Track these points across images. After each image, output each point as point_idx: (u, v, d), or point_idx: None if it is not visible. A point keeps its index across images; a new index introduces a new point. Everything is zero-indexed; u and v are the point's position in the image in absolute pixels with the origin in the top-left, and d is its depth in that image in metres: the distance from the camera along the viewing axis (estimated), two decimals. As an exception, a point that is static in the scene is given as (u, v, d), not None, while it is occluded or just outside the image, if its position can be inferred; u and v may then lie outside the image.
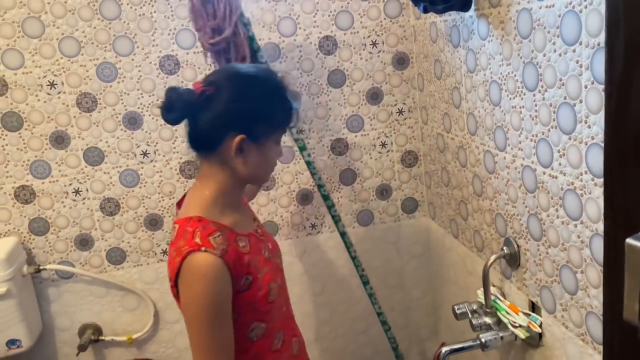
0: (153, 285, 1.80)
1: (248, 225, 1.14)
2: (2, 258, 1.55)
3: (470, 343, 1.33)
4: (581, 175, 0.98)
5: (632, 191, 0.65)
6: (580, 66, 0.93)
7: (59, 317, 1.77)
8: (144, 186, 1.73)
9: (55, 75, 1.61)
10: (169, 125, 1.67)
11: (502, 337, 1.28)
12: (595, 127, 0.92)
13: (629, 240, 0.62)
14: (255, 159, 1.05)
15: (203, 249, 0.96)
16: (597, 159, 0.93)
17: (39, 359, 1.77)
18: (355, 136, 1.82)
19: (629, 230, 0.64)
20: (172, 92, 1.00)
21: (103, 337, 1.79)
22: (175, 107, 1.00)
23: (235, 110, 1.02)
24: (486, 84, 1.30)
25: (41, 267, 1.68)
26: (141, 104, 1.67)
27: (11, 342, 1.61)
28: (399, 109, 1.83)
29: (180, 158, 1.72)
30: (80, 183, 1.69)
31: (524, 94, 1.14)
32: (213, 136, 1.03)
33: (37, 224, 1.70)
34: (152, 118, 1.68)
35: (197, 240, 0.97)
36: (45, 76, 1.61)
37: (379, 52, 1.77)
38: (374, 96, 1.80)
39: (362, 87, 1.79)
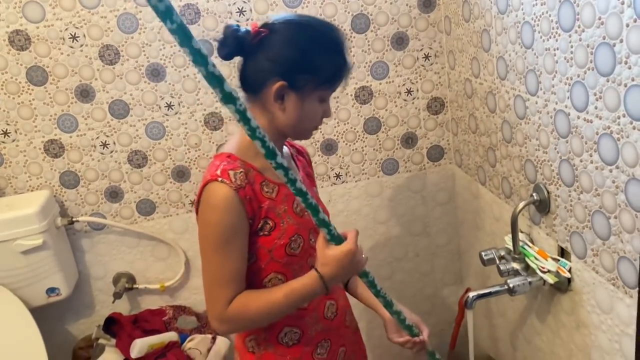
0: (183, 235, 1.84)
1: None
2: (37, 211, 1.59)
3: (497, 288, 1.35)
4: (618, 118, 0.95)
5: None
6: (622, 3, 0.89)
7: (93, 267, 1.83)
8: (170, 138, 1.74)
9: (77, 28, 1.60)
10: (191, 77, 1.68)
11: (530, 283, 1.29)
12: (636, 67, 0.88)
13: (673, 184, 0.60)
14: (294, 109, 1.04)
15: (220, 179, 0.99)
16: (637, 101, 0.90)
17: (77, 305, 1.85)
18: (380, 83, 1.79)
19: (673, 173, 0.62)
20: (228, 28, 1.01)
21: (137, 285, 1.85)
22: (227, 42, 1.01)
23: (282, 56, 1.00)
24: (518, 26, 1.25)
25: (74, 219, 1.73)
26: (163, 55, 1.65)
27: (51, 290, 1.68)
28: (425, 54, 1.78)
29: (205, 110, 1.72)
30: (107, 136, 1.71)
31: (559, 35, 1.09)
32: (257, 78, 1.03)
33: (68, 177, 1.74)
34: (175, 70, 1.67)
35: (218, 172, 1.01)
36: (67, 29, 1.60)
37: (404, -6, 1.71)
38: (399, 41, 1.75)
39: (387, 32, 1.74)
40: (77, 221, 1.74)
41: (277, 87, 1.01)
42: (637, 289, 0.99)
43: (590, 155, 1.06)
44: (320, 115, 1.08)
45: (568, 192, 1.17)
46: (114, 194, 1.77)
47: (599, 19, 0.95)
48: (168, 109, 1.70)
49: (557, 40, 1.10)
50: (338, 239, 0.98)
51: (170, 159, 1.76)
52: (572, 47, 1.06)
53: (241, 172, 1.02)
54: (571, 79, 1.08)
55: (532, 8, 1.18)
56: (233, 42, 1.01)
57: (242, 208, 1.00)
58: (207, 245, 1.02)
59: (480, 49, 1.49)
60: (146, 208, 1.80)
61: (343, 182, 1.88)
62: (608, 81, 0.96)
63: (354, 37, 1.72)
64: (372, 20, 1.72)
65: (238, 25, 1.02)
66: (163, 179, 1.78)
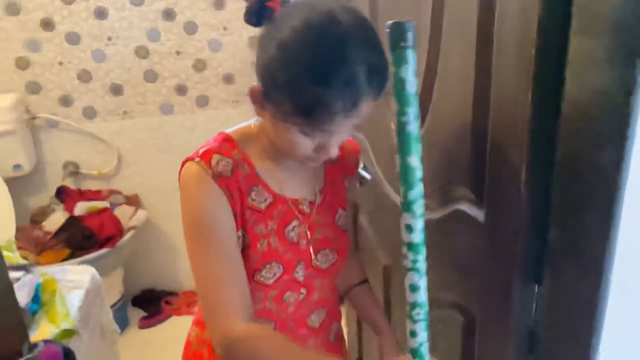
0: (117, 136, 2.51)
1: (291, 188, 0.91)
2: (9, 105, 2.23)
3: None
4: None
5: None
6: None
7: (48, 155, 2.48)
8: (110, 62, 2.39)
9: (44, -24, 2.22)
10: (127, 17, 2.33)
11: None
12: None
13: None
14: (269, 123, 0.81)
15: (197, 159, 0.83)
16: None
17: (35, 181, 2.50)
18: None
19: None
20: None
21: (81, 171, 2.52)
22: (255, 7, 0.79)
23: (265, 51, 0.76)
24: None
25: (36, 115, 2.37)
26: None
27: (16, 166, 2.33)
28: None
29: (136, 43, 2.38)
30: (64, 57, 2.35)
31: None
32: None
33: (33, 86, 2.37)
34: (115, 11, 2.32)
35: (201, 150, 0.84)
36: (36, -24, 2.22)
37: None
38: None
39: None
40: (38, 117, 2.39)
41: (252, 89, 0.79)
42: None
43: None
44: (305, 149, 0.79)
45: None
46: (69, 101, 2.42)
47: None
48: (108, 41, 2.36)
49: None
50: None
51: (109, 78, 2.42)
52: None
53: (229, 161, 0.84)
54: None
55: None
56: (257, 10, 0.78)
57: (222, 196, 0.82)
58: (185, 233, 0.84)
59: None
60: (89, 113, 2.46)
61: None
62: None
63: None
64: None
65: None
66: (103, 93, 2.44)
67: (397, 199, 1.10)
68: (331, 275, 0.97)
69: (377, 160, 1.21)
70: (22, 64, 2.33)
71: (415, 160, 0.59)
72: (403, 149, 0.58)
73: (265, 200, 0.87)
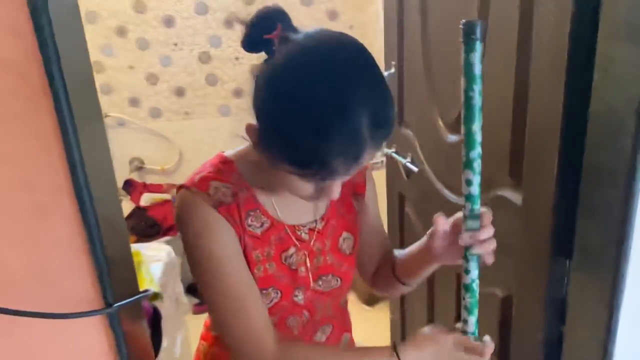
0: (179, 134, 2.72)
1: (290, 214, 0.87)
2: (85, 105, 2.46)
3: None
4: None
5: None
6: None
7: (116, 150, 2.70)
8: (175, 66, 2.60)
9: (119, -13, 2.45)
10: (191, 26, 2.53)
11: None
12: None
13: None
14: (265, 163, 0.74)
15: (193, 189, 0.78)
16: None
17: (105, 175, 2.72)
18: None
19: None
20: (252, 21, 0.74)
21: (145, 166, 2.73)
22: (251, 36, 0.74)
23: (262, 93, 0.69)
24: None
25: (107, 115, 2.60)
26: (175, 9, 2.50)
27: (89, 160, 2.55)
28: (349, 25, 2.63)
29: (200, 49, 2.58)
30: (134, 62, 2.57)
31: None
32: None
33: (105, 88, 2.60)
34: (181, 20, 2.52)
35: (197, 177, 0.80)
36: (112, -13, 2.45)
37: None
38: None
39: None
40: (109, 116, 2.61)
41: (248, 127, 0.73)
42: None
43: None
44: (304, 191, 0.76)
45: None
46: (137, 102, 2.64)
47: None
48: (174, 46, 2.57)
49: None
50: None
51: (174, 81, 2.62)
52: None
53: (228, 187, 0.80)
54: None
55: None
56: (254, 40, 0.74)
57: (226, 225, 0.78)
58: (201, 275, 0.80)
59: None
60: (155, 113, 2.67)
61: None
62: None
63: None
64: (314, -1, 2.56)
65: (264, 16, 0.74)
66: (168, 94, 2.64)
67: (443, 190, 1.23)
68: (334, 297, 0.94)
69: (424, 154, 1.33)
70: (97, 67, 2.57)
71: (477, 127, 0.71)
72: (468, 117, 0.71)
73: (262, 225, 0.83)
